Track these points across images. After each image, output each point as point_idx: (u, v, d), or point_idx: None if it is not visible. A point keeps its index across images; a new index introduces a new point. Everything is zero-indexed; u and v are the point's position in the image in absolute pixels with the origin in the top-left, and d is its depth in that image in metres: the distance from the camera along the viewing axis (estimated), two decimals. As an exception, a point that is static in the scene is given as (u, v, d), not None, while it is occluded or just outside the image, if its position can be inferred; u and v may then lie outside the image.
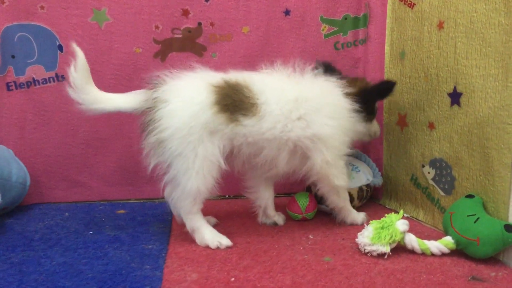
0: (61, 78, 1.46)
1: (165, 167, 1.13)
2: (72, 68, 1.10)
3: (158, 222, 1.32)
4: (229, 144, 1.13)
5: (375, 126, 1.39)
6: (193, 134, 1.09)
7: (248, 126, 1.12)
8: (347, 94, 1.24)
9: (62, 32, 1.43)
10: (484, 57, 1.10)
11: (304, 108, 1.16)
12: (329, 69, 1.32)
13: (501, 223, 1.05)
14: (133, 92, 1.15)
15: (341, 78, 1.28)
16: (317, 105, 1.17)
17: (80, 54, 1.10)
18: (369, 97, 1.30)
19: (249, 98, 1.12)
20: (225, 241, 1.14)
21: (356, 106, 1.24)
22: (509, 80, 1.03)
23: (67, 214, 1.40)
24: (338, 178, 1.23)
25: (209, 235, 1.15)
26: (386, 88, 1.30)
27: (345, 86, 1.25)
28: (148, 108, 1.12)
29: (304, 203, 1.34)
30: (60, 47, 1.44)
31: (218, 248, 1.12)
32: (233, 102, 1.11)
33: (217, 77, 1.15)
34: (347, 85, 1.26)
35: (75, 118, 1.48)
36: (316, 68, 1.27)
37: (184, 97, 1.11)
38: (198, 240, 1.15)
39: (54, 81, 1.46)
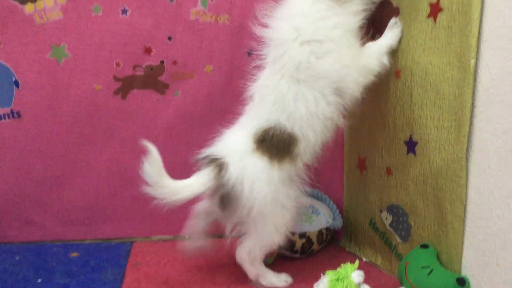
0: (16, 114, 1.42)
1: (248, 223, 1.18)
2: (146, 165, 1.09)
3: (112, 267, 1.28)
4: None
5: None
6: (280, 192, 1.15)
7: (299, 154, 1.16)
8: None
9: (19, 68, 1.40)
10: (438, 109, 1.12)
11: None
12: None
13: (454, 276, 1.06)
14: (200, 173, 1.14)
15: None
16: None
17: (153, 150, 1.09)
18: None
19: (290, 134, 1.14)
20: (289, 279, 1.25)
21: None
22: (462, 134, 1.05)
23: (17, 257, 1.35)
24: None
25: (274, 278, 1.23)
26: None
27: None
28: (223, 191, 1.12)
29: (264, 248, 1.32)
30: (17, 83, 1.40)
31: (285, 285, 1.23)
32: (277, 146, 1.13)
33: (244, 137, 1.16)
34: None
35: (30, 155, 1.44)
36: None
37: (249, 169, 1.12)
38: (265, 283, 1.23)
39: (9, 117, 1.42)
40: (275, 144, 1.13)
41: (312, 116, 1.14)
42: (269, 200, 1.14)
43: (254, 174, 1.12)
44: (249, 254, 1.20)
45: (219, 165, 1.12)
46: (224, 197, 1.13)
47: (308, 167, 1.22)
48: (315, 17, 1.12)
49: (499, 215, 0.97)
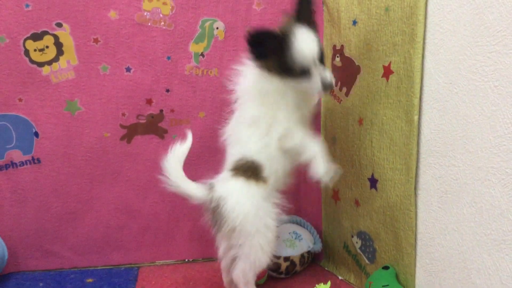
0: (37, 160, 1.64)
1: (237, 247, 1.36)
2: (172, 152, 1.37)
3: (123, 292, 1.50)
4: None
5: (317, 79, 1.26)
6: (260, 207, 1.34)
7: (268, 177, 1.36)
8: None
9: (38, 121, 1.62)
10: (392, 154, 1.34)
11: None
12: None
13: (408, 292, 1.28)
14: (199, 183, 1.39)
15: None
16: None
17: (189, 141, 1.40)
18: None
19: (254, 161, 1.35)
20: None
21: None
22: (410, 176, 1.27)
23: (41, 284, 1.56)
24: None
25: None
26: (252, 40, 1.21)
27: None
28: (212, 207, 1.35)
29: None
30: (36, 134, 1.62)
31: None
32: (248, 170, 1.35)
33: (225, 169, 1.40)
34: None
35: (49, 196, 1.66)
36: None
37: (230, 187, 1.35)
38: None
39: (30, 163, 1.64)
40: (246, 169, 1.35)
41: (263, 149, 1.35)
42: (252, 215, 1.32)
43: (234, 190, 1.34)
44: (243, 276, 1.38)
45: (210, 186, 1.37)
46: (214, 211, 1.34)
47: (283, 192, 1.41)
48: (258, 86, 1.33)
49: (439, 243, 1.20)
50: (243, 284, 1.40)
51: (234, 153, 1.39)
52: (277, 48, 1.22)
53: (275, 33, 1.22)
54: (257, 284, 1.53)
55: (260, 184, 1.35)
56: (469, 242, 1.09)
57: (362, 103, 1.46)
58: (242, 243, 1.35)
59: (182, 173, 1.38)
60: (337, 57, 1.57)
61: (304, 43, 1.22)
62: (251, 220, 1.32)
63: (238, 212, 1.32)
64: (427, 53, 1.21)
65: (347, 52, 1.52)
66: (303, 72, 1.24)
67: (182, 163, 1.39)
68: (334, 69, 1.60)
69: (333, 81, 1.26)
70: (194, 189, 1.38)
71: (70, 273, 1.66)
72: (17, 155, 1.63)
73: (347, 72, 1.52)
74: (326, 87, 1.25)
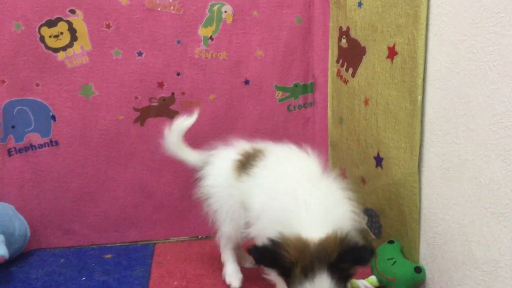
0: (55, 143, 1.70)
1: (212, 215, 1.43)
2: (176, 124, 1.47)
3: (140, 266, 1.57)
4: None
5: None
6: (224, 189, 1.37)
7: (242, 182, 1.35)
8: None
9: (54, 105, 1.68)
10: (396, 133, 1.39)
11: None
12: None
13: (412, 265, 1.33)
14: (200, 151, 1.50)
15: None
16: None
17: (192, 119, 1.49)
18: None
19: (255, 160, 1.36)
20: (234, 283, 1.40)
21: None
22: (414, 154, 1.32)
23: (62, 260, 1.64)
24: None
25: (229, 271, 1.43)
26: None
27: None
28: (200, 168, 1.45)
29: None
30: (54, 117, 1.69)
31: (229, 285, 1.41)
32: (245, 163, 1.36)
33: (247, 145, 1.42)
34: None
35: (67, 176, 1.73)
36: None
37: (219, 160, 1.42)
38: (223, 271, 1.45)
39: (48, 145, 1.70)
40: (249, 158, 1.36)
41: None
42: (215, 191, 1.38)
43: (221, 163, 1.40)
44: (220, 241, 1.44)
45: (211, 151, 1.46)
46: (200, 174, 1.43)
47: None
48: None
49: (442, 218, 1.25)
50: (221, 248, 1.46)
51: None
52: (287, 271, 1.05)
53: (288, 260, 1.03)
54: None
55: (238, 177, 1.34)
56: (470, 216, 1.14)
57: (368, 83, 1.50)
58: (214, 214, 1.41)
59: (181, 142, 1.49)
60: (343, 38, 1.61)
61: None
62: (215, 196, 1.39)
63: (207, 182, 1.41)
64: (430, 35, 1.25)
65: (352, 34, 1.55)
66: None
67: (182, 134, 1.49)
68: (341, 50, 1.63)
69: None
70: (189, 155, 1.50)
71: (89, 250, 1.74)
72: (35, 138, 1.69)
73: (353, 53, 1.56)
74: None
